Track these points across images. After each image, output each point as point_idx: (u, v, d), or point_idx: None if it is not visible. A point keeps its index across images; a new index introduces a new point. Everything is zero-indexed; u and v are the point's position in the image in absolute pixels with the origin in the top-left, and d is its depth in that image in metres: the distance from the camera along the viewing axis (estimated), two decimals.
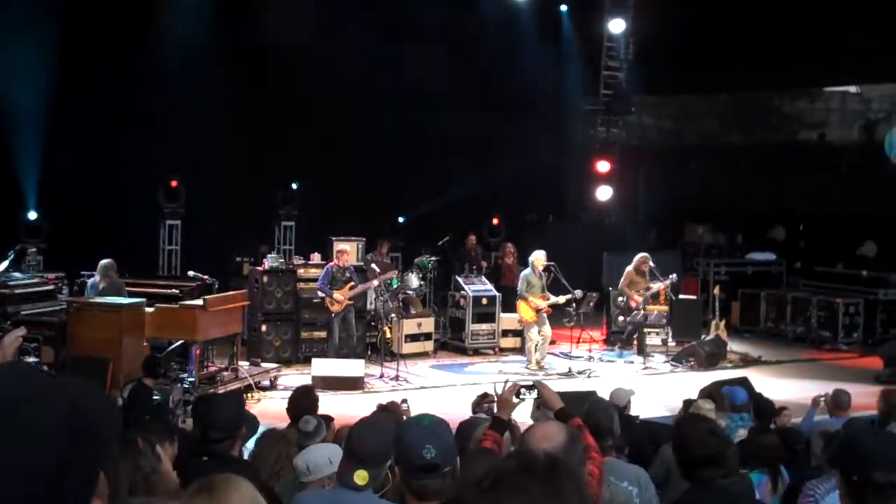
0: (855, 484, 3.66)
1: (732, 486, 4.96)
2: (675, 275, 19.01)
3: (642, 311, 19.17)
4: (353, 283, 16.92)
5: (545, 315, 17.73)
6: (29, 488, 1.53)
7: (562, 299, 17.83)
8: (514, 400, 5.64)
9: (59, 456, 1.56)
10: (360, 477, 4.44)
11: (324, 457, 5.55)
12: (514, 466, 1.84)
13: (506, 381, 5.98)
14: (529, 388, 5.74)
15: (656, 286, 18.80)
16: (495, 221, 24.68)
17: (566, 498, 1.77)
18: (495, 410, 5.72)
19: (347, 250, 17.36)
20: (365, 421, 4.84)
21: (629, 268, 18.92)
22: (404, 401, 9.68)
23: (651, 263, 18.78)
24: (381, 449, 4.46)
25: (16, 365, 1.74)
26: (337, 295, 16.76)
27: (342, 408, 12.62)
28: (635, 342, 19.14)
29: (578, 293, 18.01)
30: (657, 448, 8.33)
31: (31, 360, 13.01)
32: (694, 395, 11.32)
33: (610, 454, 6.29)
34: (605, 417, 6.50)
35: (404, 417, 8.47)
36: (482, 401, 10.00)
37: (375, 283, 17.22)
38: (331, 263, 17.06)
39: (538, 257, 17.85)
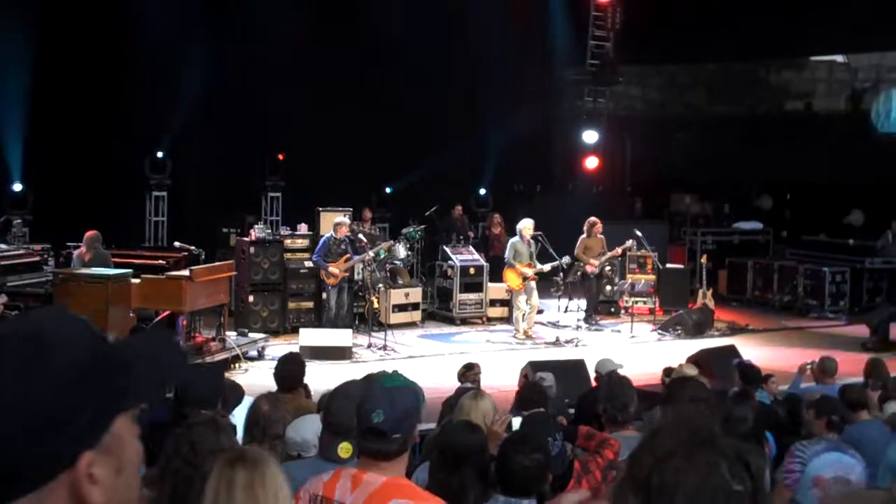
0: None
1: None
2: (630, 241, 19.04)
3: (629, 280, 19.26)
4: (348, 256, 16.96)
5: (533, 285, 17.74)
6: (29, 422, 1.49)
7: (547, 267, 17.83)
8: (504, 434, 5.59)
9: (70, 391, 1.52)
10: (345, 450, 4.45)
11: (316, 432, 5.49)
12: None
13: (500, 413, 5.95)
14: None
15: (618, 248, 18.84)
16: (483, 191, 24.67)
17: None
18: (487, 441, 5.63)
19: (346, 223, 17.31)
20: (342, 392, 4.81)
21: (582, 235, 18.96)
22: (394, 371, 9.69)
23: (600, 226, 18.91)
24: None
25: (55, 308, 1.73)
26: (333, 269, 16.78)
27: (330, 377, 12.59)
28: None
29: (566, 260, 18.00)
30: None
31: None
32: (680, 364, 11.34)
33: (627, 427, 6.31)
34: (623, 392, 6.51)
35: None
36: (467, 371, 10.02)
37: (371, 254, 17.22)
38: (328, 235, 17.07)
39: (526, 225, 17.85)
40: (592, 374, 11.01)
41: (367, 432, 3.56)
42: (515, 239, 17.90)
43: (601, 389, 7.21)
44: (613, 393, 6.40)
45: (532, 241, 17.87)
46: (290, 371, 7.97)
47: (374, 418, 3.52)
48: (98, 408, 1.55)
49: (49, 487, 1.52)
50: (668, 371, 9.04)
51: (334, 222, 17.28)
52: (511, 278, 17.76)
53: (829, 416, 6.95)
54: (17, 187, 19.18)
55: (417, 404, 3.73)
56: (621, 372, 10.50)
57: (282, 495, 3.56)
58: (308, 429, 5.59)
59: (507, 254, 17.84)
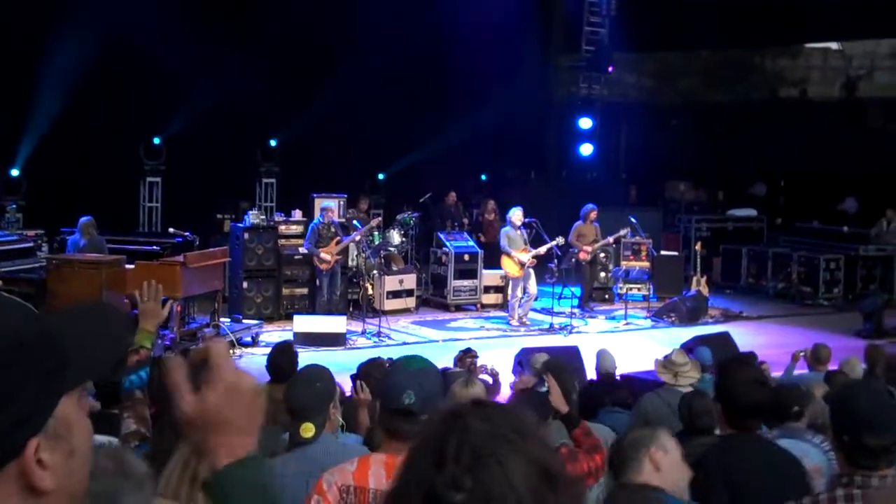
0: (846, 444, 3.67)
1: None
2: (625, 229, 19.07)
3: (623, 267, 19.29)
4: (338, 238, 16.98)
5: (531, 271, 17.77)
6: None
7: (543, 249, 17.80)
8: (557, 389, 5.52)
9: None
10: (307, 430, 4.55)
11: None
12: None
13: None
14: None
15: (610, 237, 18.93)
16: (483, 177, 24.73)
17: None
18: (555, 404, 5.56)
19: (332, 207, 17.41)
20: (296, 378, 4.92)
21: (578, 221, 19.08)
22: (389, 359, 9.71)
23: (595, 213, 19.11)
24: (318, 400, 4.57)
25: None
26: (324, 254, 16.80)
27: (324, 364, 12.59)
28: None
29: (560, 240, 17.94)
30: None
31: None
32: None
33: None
34: (567, 381, 6.54)
35: None
36: (464, 356, 10.04)
37: (357, 236, 17.28)
38: (315, 221, 17.13)
39: (515, 212, 17.88)
40: (591, 366, 11.04)
41: (396, 413, 3.61)
42: (507, 228, 17.92)
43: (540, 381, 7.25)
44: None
45: (526, 228, 17.89)
46: (283, 361, 7.98)
47: (406, 399, 3.58)
48: (35, 392, 1.50)
49: None
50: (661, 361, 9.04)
51: (321, 207, 17.37)
52: (509, 266, 17.77)
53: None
54: (14, 173, 19.11)
55: (442, 385, 3.85)
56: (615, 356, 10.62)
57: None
58: None
59: (502, 243, 17.82)
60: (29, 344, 1.52)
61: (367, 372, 7.23)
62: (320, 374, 4.81)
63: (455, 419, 1.68)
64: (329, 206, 17.37)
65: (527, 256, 17.60)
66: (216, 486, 1.81)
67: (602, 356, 10.53)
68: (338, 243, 16.98)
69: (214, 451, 1.81)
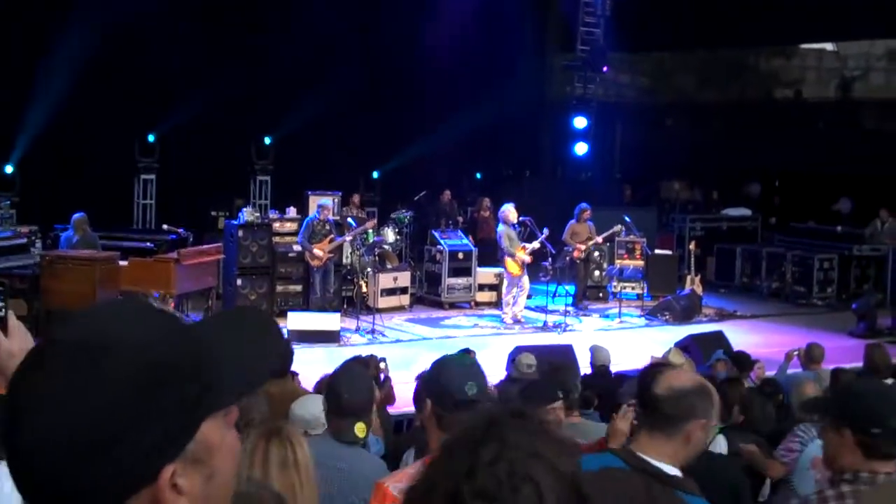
0: (872, 435, 3.63)
1: None
2: (618, 226, 19.12)
3: (618, 265, 19.29)
4: (332, 237, 16.95)
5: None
6: (87, 439, 1.33)
7: (536, 244, 17.74)
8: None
9: (133, 403, 1.36)
10: (361, 429, 4.51)
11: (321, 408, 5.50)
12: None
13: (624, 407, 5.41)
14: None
15: (599, 237, 18.97)
16: (478, 175, 24.71)
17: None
18: (608, 442, 5.23)
19: (328, 205, 17.35)
20: (348, 375, 4.83)
21: (572, 220, 19.10)
22: (382, 359, 9.69)
23: (589, 212, 19.13)
24: (370, 399, 4.52)
25: (121, 301, 1.48)
26: (317, 251, 16.76)
27: (318, 361, 12.59)
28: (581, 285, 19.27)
29: (546, 232, 17.87)
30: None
31: None
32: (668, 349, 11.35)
33: (572, 413, 6.34)
34: (566, 379, 6.55)
35: (381, 375, 8.49)
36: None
37: (349, 237, 17.27)
38: (310, 216, 17.10)
39: (510, 209, 17.79)
40: (585, 361, 11.07)
41: (458, 406, 3.53)
42: (505, 227, 17.75)
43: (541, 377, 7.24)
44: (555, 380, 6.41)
45: (518, 225, 17.88)
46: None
47: (469, 391, 3.54)
48: (175, 417, 1.39)
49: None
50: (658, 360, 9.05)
51: (318, 204, 17.33)
52: (512, 266, 17.64)
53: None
54: (9, 169, 19.07)
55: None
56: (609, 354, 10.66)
57: (311, 475, 3.65)
58: (317, 406, 5.58)
59: (504, 244, 17.61)
60: (171, 367, 1.40)
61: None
62: (366, 375, 4.76)
63: (493, 427, 1.66)
64: (325, 204, 17.30)
65: (526, 255, 17.57)
66: None
67: (596, 351, 10.58)
68: (331, 241, 16.94)
69: None
